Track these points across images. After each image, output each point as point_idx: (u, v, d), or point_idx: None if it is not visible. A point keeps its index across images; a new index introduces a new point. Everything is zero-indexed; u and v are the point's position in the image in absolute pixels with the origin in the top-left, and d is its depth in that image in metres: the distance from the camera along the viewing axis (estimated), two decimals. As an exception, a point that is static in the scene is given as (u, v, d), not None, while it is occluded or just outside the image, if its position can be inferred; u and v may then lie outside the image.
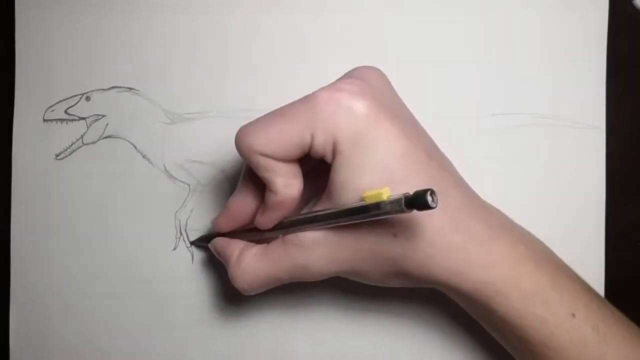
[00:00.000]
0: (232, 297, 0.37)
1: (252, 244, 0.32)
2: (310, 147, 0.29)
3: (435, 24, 0.37)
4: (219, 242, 0.34)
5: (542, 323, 0.29)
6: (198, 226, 0.37)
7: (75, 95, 0.38)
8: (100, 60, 0.38)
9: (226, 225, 0.34)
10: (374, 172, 0.28)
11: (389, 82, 0.31)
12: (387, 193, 0.27)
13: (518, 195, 0.37)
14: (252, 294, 0.32)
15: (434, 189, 0.25)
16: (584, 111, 0.37)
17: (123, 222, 0.38)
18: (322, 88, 0.29)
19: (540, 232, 0.36)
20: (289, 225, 0.31)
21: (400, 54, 0.37)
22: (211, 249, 0.35)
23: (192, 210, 0.37)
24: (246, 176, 0.32)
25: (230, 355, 0.37)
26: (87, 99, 0.38)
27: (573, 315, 0.29)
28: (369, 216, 0.27)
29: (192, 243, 0.37)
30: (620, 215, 0.37)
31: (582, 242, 0.36)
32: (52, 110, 0.38)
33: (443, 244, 0.29)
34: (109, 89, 0.38)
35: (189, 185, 0.38)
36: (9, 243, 0.38)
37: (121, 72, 0.38)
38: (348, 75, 0.30)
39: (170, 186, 0.38)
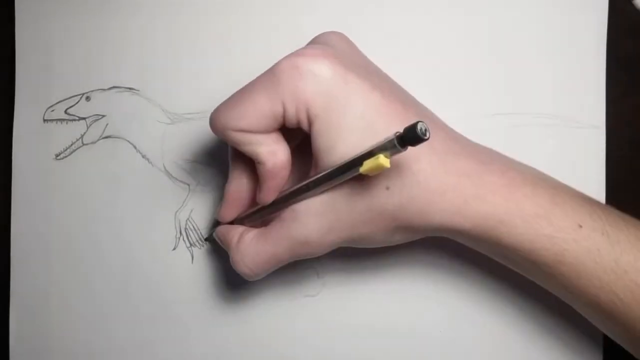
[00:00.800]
0: (232, 296, 0.37)
1: (252, 228, 0.32)
2: (284, 117, 0.29)
3: (436, 23, 0.37)
4: (220, 230, 0.34)
5: (551, 242, 0.29)
6: (198, 226, 0.37)
7: (75, 96, 0.38)
8: (100, 60, 0.38)
9: (229, 214, 0.33)
10: (354, 129, 0.28)
11: (354, 44, 0.31)
12: (381, 157, 0.26)
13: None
14: (255, 278, 0.32)
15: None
16: (584, 111, 0.37)
17: (123, 222, 0.38)
18: (286, 56, 0.29)
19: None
20: (284, 200, 0.30)
21: (400, 53, 0.37)
22: (216, 238, 0.34)
23: (191, 210, 0.37)
24: (233, 161, 0.32)
25: (230, 354, 0.37)
26: (87, 99, 0.38)
27: (580, 226, 0.29)
28: (354, 172, 0.27)
29: (206, 239, 0.37)
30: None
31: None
32: (52, 111, 0.38)
33: (436, 186, 0.29)
34: (109, 89, 0.38)
35: (188, 185, 0.38)
36: (9, 243, 0.38)
37: (121, 72, 0.38)
38: (311, 42, 0.30)
39: (170, 186, 0.38)
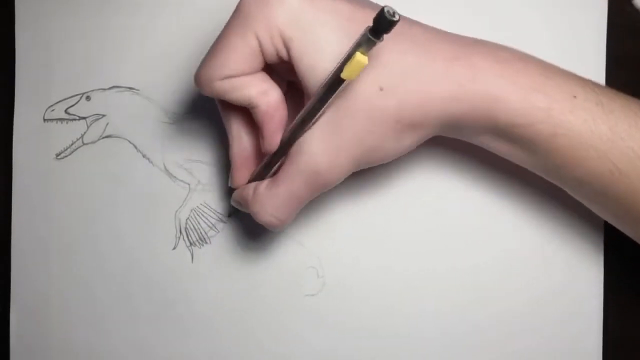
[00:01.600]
0: (232, 296, 0.37)
1: (265, 180, 0.32)
2: (262, 51, 0.29)
3: (435, 23, 0.37)
4: (235, 194, 0.34)
5: (547, 114, 0.29)
6: (198, 226, 0.37)
7: (76, 95, 0.38)
8: (100, 60, 0.38)
9: (241, 177, 0.33)
10: (329, 42, 0.28)
11: None
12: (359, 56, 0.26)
13: (518, 194, 0.37)
14: (281, 225, 0.32)
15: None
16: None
17: (123, 221, 0.38)
18: None
19: (539, 230, 0.37)
20: (288, 141, 0.30)
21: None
22: (234, 205, 0.34)
23: (192, 210, 0.37)
24: (228, 122, 0.32)
25: (230, 354, 0.37)
26: (88, 98, 0.38)
27: (574, 97, 0.29)
28: (342, 80, 0.27)
29: (229, 215, 0.37)
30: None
31: (581, 240, 0.36)
32: (52, 110, 0.38)
33: (427, 76, 0.29)
34: (109, 88, 0.38)
35: (189, 184, 0.38)
36: (9, 243, 0.38)
37: (121, 72, 0.38)
38: None
39: (170, 185, 0.38)
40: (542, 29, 0.37)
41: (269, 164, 0.32)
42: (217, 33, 0.37)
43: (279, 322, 0.37)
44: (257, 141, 0.32)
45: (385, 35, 0.26)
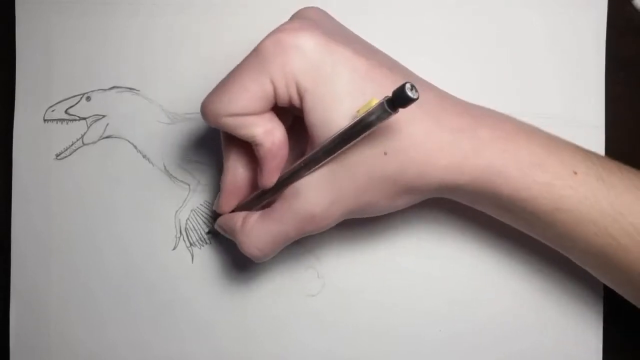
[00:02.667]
0: (232, 296, 0.37)
1: (254, 212, 0.32)
2: (275, 96, 0.29)
3: (435, 24, 0.37)
4: (221, 219, 0.34)
5: (548, 189, 0.29)
6: (198, 226, 0.37)
7: (76, 96, 0.38)
8: (100, 60, 0.38)
9: (227, 204, 0.33)
10: (343, 98, 0.28)
11: (331, 16, 0.32)
12: (374, 101, 0.27)
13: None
14: (264, 259, 0.32)
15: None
16: (583, 110, 0.37)
17: (123, 221, 0.38)
18: (267, 35, 0.29)
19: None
20: (285, 181, 0.30)
21: (401, 53, 0.37)
22: (218, 229, 0.34)
23: (192, 210, 0.37)
24: (227, 150, 0.33)
25: (230, 354, 0.37)
26: (88, 99, 0.38)
27: (575, 173, 0.29)
28: (356, 134, 0.27)
29: (208, 233, 0.37)
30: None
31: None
32: (53, 110, 0.38)
33: (433, 145, 0.29)
34: (110, 89, 0.38)
35: (189, 185, 0.38)
36: (10, 243, 0.38)
37: (121, 72, 0.38)
38: (290, 19, 0.31)
39: (170, 186, 0.38)
40: (542, 29, 0.37)
41: (260, 197, 0.32)
42: (217, 33, 0.38)
43: (279, 322, 0.37)
44: (252, 174, 0.32)
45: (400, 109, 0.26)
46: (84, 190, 0.38)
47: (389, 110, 0.26)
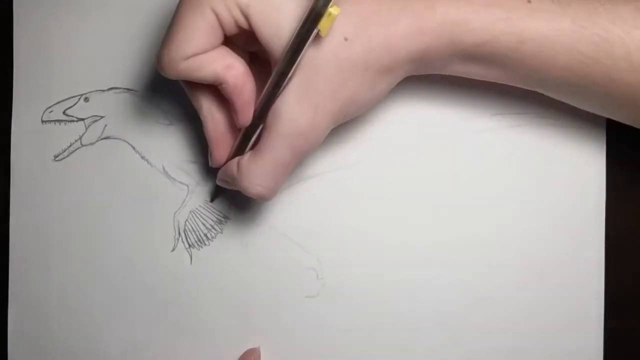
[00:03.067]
0: (231, 297, 0.37)
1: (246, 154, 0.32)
2: (221, 25, 0.29)
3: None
4: (220, 171, 0.34)
5: (507, 25, 0.29)
6: (196, 227, 0.37)
7: (74, 96, 0.38)
8: (98, 61, 0.38)
9: (220, 155, 0.33)
10: (288, 1, 0.28)
11: None
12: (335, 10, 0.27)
13: (519, 195, 0.36)
14: (271, 194, 0.32)
15: None
16: (584, 111, 0.36)
17: (121, 223, 0.38)
18: None
19: (540, 230, 0.36)
20: (262, 111, 0.30)
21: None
22: (220, 184, 0.34)
23: (190, 211, 0.37)
24: (197, 101, 0.32)
25: (230, 355, 0.37)
26: (86, 100, 0.38)
27: (529, 1, 0.29)
28: (310, 29, 0.27)
29: (211, 200, 0.37)
30: (620, 215, 0.37)
31: (582, 241, 0.36)
32: (51, 111, 0.38)
33: (387, 16, 0.29)
34: (108, 90, 0.38)
35: (187, 186, 0.38)
36: (8, 244, 0.38)
37: (119, 73, 0.38)
38: None
39: (169, 187, 0.38)
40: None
41: (247, 136, 0.32)
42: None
43: (279, 323, 0.37)
44: (230, 116, 0.32)
45: None
46: (83, 192, 0.38)
47: None
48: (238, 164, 0.32)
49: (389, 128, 0.37)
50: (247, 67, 0.31)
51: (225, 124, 0.33)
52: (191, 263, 0.38)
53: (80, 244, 0.38)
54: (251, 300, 0.37)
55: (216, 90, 0.31)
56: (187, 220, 0.37)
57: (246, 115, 0.31)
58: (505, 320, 0.36)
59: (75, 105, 0.38)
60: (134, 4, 0.38)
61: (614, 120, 0.34)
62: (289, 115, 0.30)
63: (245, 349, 0.37)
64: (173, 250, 0.38)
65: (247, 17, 0.29)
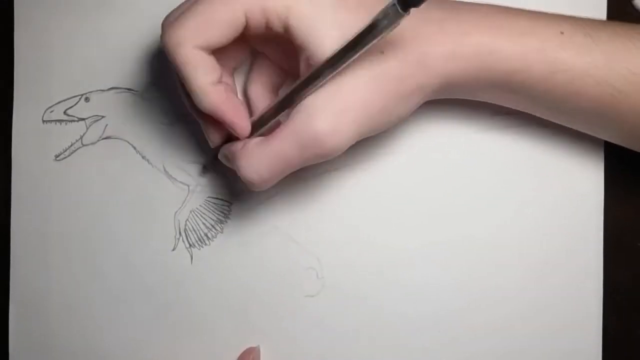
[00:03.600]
0: (231, 297, 0.37)
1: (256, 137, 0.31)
2: (248, 24, 0.28)
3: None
4: (224, 147, 0.33)
5: (540, 54, 0.29)
6: (197, 227, 0.37)
7: (75, 96, 0.38)
8: (99, 61, 0.38)
9: (215, 134, 0.32)
10: (339, 8, 0.28)
11: None
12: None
13: (518, 195, 0.37)
14: (263, 185, 0.30)
15: None
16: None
17: (122, 222, 0.38)
18: None
19: (539, 231, 0.37)
20: (283, 103, 0.30)
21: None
22: (220, 158, 0.33)
23: (191, 211, 0.37)
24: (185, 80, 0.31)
25: (230, 355, 0.37)
26: (87, 99, 0.38)
27: (562, 33, 0.30)
28: (366, 41, 0.27)
29: (204, 167, 0.37)
30: (619, 215, 0.37)
31: (580, 241, 0.36)
32: (52, 111, 0.38)
33: (423, 36, 0.29)
34: (108, 89, 0.38)
35: (188, 186, 0.38)
36: (9, 243, 0.38)
37: (120, 73, 0.38)
38: None
39: (170, 187, 0.38)
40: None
41: (261, 121, 0.31)
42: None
43: (279, 323, 0.37)
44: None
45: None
46: (83, 191, 0.38)
47: (401, 11, 0.26)
48: (245, 142, 0.31)
49: (389, 129, 0.37)
50: (231, 84, 0.30)
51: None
52: (192, 262, 0.38)
53: (81, 244, 0.38)
54: (251, 299, 0.37)
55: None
56: (187, 219, 0.37)
57: (240, 129, 0.30)
58: (504, 321, 0.36)
59: (76, 105, 0.38)
60: (134, 4, 0.38)
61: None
62: (310, 111, 0.29)
63: (245, 348, 0.37)
64: (174, 249, 0.38)
65: (285, 20, 0.28)
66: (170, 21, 0.29)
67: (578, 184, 0.36)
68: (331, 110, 0.28)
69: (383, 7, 0.26)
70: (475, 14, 0.30)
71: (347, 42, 0.27)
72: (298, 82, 0.29)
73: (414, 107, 0.31)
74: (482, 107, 0.37)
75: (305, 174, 0.37)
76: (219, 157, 0.34)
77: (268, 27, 0.29)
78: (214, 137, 0.33)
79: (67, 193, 0.38)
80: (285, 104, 0.30)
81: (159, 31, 0.37)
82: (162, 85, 0.38)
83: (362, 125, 0.29)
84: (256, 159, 0.30)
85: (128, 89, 0.38)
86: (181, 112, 0.38)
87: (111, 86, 0.38)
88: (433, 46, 0.29)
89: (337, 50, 0.28)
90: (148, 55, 0.38)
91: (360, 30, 0.27)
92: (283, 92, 0.30)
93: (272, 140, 0.29)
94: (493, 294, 0.37)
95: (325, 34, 0.28)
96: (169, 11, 0.37)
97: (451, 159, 0.37)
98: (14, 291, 0.38)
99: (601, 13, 0.36)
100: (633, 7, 0.37)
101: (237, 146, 0.31)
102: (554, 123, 0.34)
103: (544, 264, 0.36)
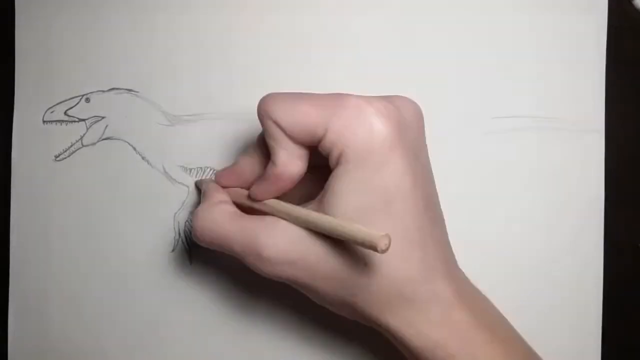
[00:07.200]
0: (231, 298, 0.37)
1: (234, 205, 0.32)
2: (320, 140, 0.29)
3: (436, 25, 0.37)
4: (211, 182, 0.34)
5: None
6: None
7: (75, 97, 0.38)
8: (99, 61, 0.38)
9: (227, 179, 0.34)
10: (369, 194, 0.28)
11: (422, 119, 0.31)
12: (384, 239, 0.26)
13: (517, 198, 0.37)
14: (199, 242, 0.32)
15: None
16: (583, 113, 0.36)
17: (122, 223, 0.38)
18: (358, 95, 0.29)
19: (539, 234, 0.37)
20: (275, 209, 0.30)
21: (400, 56, 0.37)
22: (198, 185, 0.35)
23: (190, 212, 0.37)
24: (259, 141, 0.32)
25: (230, 356, 0.37)
26: (87, 100, 0.38)
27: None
28: (341, 235, 0.27)
29: (197, 182, 0.37)
30: (619, 218, 0.37)
31: (581, 244, 0.36)
32: (52, 112, 0.38)
33: (409, 293, 0.28)
34: (108, 90, 0.38)
35: (188, 187, 0.38)
36: (8, 244, 0.38)
37: (120, 74, 0.38)
38: (386, 97, 0.30)
39: (169, 188, 0.38)
40: (542, 30, 0.37)
41: (248, 199, 0.32)
42: (217, 34, 0.37)
43: (279, 323, 0.37)
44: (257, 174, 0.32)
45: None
46: (83, 192, 0.38)
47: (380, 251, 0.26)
48: (221, 200, 0.32)
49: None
50: (299, 177, 0.30)
51: (254, 173, 0.33)
52: (191, 263, 0.38)
53: (81, 244, 0.38)
54: (250, 300, 0.37)
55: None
56: (187, 220, 0.37)
57: (260, 195, 0.31)
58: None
59: (77, 106, 0.38)
60: (134, 4, 0.38)
61: (612, 121, 0.34)
62: (271, 234, 0.29)
63: (245, 349, 0.37)
64: (173, 250, 0.38)
65: (337, 163, 0.29)
66: (271, 93, 0.30)
67: (579, 185, 0.36)
68: (288, 253, 0.29)
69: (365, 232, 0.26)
70: (467, 315, 0.29)
71: (336, 222, 0.27)
72: (296, 207, 0.30)
73: (347, 316, 0.31)
74: (482, 107, 0.37)
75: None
76: (201, 181, 0.36)
77: (327, 155, 0.29)
78: (225, 178, 0.34)
79: (67, 194, 0.38)
80: (278, 211, 0.30)
81: (159, 31, 0.38)
82: (162, 86, 0.38)
83: (299, 284, 0.30)
84: (212, 222, 0.31)
85: (128, 90, 0.38)
86: (181, 112, 0.38)
87: (111, 87, 0.38)
88: (404, 311, 0.29)
89: (327, 219, 0.28)
90: (148, 56, 0.38)
91: (343, 222, 0.27)
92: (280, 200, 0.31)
93: (232, 222, 0.31)
94: (492, 294, 0.36)
95: (343, 207, 0.28)
96: (170, 10, 0.37)
97: (451, 162, 0.37)
98: (13, 291, 0.38)
99: (602, 13, 0.36)
100: (633, 7, 0.37)
101: (213, 196, 0.32)
102: (555, 124, 0.34)
103: (544, 264, 0.36)
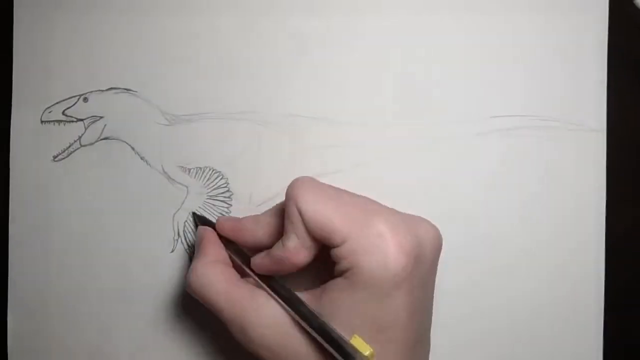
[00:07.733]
0: (230, 299, 0.37)
1: (232, 267, 0.33)
2: (334, 247, 0.29)
3: (435, 25, 0.37)
4: (211, 234, 0.34)
5: None
6: (195, 228, 0.37)
7: (73, 97, 0.38)
8: (98, 61, 0.38)
9: (227, 232, 0.34)
10: (365, 317, 0.28)
11: (440, 249, 0.32)
12: (357, 340, 0.27)
13: (517, 198, 0.36)
14: (190, 293, 0.33)
15: None
16: (584, 113, 0.36)
17: (121, 223, 0.38)
18: (388, 218, 0.29)
19: (539, 234, 0.36)
20: (270, 286, 0.31)
21: (398, 56, 0.37)
22: (198, 232, 0.35)
23: (190, 212, 0.37)
24: (274, 211, 0.33)
25: (230, 356, 0.37)
26: (85, 100, 0.38)
27: None
28: (329, 343, 0.28)
29: (194, 213, 0.37)
30: (620, 217, 0.36)
31: (582, 243, 0.36)
32: (50, 112, 0.38)
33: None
34: (107, 90, 0.38)
35: (186, 187, 0.37)
36: (7, 244, 0.38)
37: (119, 73, 0.38)
38: (410, 224, 0.30)
39: (168, 188, 0.38)
40: (543, 29, 0.37)
41: (246, 260, 0.33)
42: (216, 34, 0.37)
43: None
44: (266, 244, 0.33)
45: None
46: (82, 192, 0.38)
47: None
48: (218, 260, 0.33)
49: (389, 131, 0.37)
50: (304, 265, 0.31)
51: (260, 238, 0.33)
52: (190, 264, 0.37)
53: (80, 245, 0.38)
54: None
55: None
56: (186, 221, 0.37)
57: (260, 269, 0.32)
58: (504, 322, 0.36)
59: (75, 106, 0.38)
60: (133, 4, 0.38)
61: (614, 121, 0.34)
62: (261, 314, 0.30)
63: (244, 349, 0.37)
64: (172, 251, 0.38)
65: (344, 274, 0.29)
66: (310, 179, 0.31)
67: (580, 185, 0.36)
68: (271, 336, 0.30)
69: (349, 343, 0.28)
70: None
71: (326, 328, 0.28)
72: (290, 292, 0.31)
73: None
74: (479, 109, 0.37)
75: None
76: (199, 228, 0.35)
77: (334, 263, 0.30)
78: (227, 228, 0.34)
79: (65, 194, 0.38)
80: (273, 290, 0.31)
81: (158, 30, 0.38)
82: (160, 85, 0.37)
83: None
84: (207, 280, 0.32)
85: (127, 89, 0.38)
86: (180, 112, 0.37)
87: (110, 86, 0.38)
88: None
89: (318, 322, 0.29)
90: (147, 55, 0.38)
91: (337, 335, 0.28)
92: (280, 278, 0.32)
93: (224, 287, 0.31)
94: (492, 295, 0.37)
95: (340, 319, 0.29)
96: (168, 10, 0.37)
97: (450, 162, 0.37)
98: (12, 291, 0.38)
99: (602, 13, 0.36)
100: (634, 6, 0.37)
101: (213, 252, 0.33)
102: (555, 124, 0.34)
103: (544, 265, 0.36)
